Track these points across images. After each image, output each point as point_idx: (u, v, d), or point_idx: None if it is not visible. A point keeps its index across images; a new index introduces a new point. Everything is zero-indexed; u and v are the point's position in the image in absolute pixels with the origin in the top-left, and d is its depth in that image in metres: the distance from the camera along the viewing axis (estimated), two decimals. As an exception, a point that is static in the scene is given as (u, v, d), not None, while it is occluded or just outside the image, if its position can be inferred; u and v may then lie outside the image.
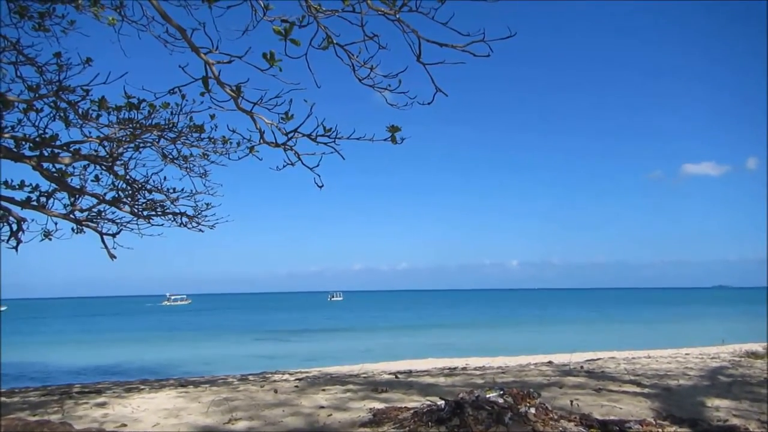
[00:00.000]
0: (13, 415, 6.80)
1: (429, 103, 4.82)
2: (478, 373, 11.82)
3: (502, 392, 6.23)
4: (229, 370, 17.71)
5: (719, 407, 7.41)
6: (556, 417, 5.99)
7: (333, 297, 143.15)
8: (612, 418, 6.52)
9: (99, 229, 8.19)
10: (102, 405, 8.02)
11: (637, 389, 8.74)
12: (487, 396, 6.07)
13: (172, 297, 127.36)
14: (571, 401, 7.44)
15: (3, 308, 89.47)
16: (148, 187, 8.12)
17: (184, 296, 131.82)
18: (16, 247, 7.32)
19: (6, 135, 6.47)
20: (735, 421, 6.59)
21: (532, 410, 5.85)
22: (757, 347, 16.08)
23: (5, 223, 7.21)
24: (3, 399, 9.12)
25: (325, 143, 5.44)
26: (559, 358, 16.40)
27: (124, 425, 6.79)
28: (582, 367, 12.21)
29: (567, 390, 8.53)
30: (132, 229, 8.40)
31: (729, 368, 11.59)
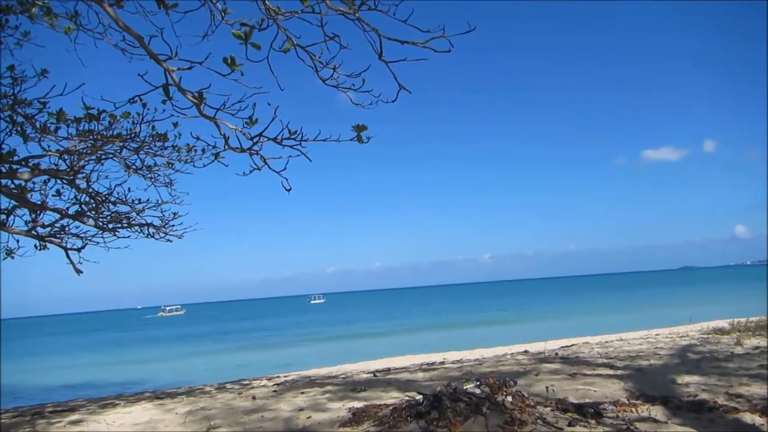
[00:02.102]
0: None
1: (393, 101, 4.85)
2: (455, 366, 11.91)
3: (479, 383, 6.30)
4: (206, 379, 17.48)
5: (689, 383, 7.64)
6: (532, 404, 6.09)
7: (313, 300, 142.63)
8: (587, 401, 6.67)
9: (63, 244, 8.01)
10: (76, 422, 7.85)
11: (611, 371, 8.95)
12: (465, 388, 6.14)
13: (168, 308, 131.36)
14: (547, 387, 7.58)
15: None
16: (112, 199, 7.98)
17: (179, 306, 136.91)
18: (-23, 267, 7.11)
19: (-39, 152, 6.29)
20: (704, 396, 6.81)
21: (509, 399, 5.94)
22: (723, 323, 16.60)
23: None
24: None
25: (291, 146, 5.41)
26: (535, 347, 16.66)
27: (101, 442, 6.67)
28: (557, 353, 12.42)
29: (543, 377, 8.68)
30: (98, 243, 8.25)
31: (697, 345, 11.95)
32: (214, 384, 13.33)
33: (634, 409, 6.22)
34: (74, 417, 8.37)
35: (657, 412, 6.17)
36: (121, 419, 7.89)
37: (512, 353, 14.56)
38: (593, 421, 5.74)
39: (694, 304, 43.37)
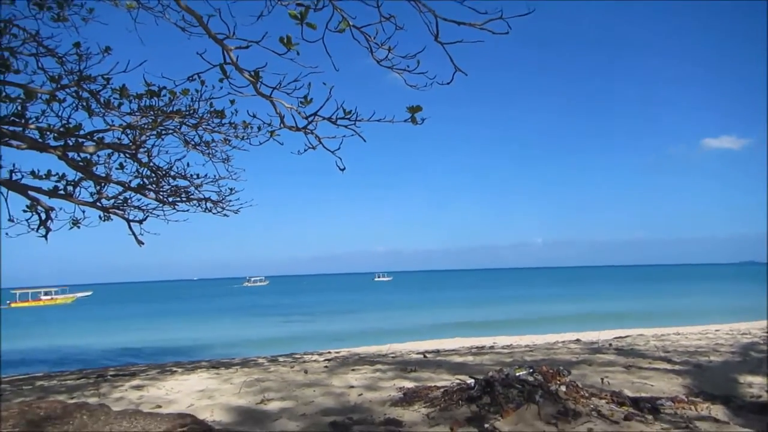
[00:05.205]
0: (51, 398, 6.99)
1: (448, 83, 4.70)
2: (506, 351, 11.79)
3: (531, 370, 6.17)
4: (260, 351, 18.00)
5: (752, 383, 7.27)
6: (587, 394, 5.92)
7: (379, 277, 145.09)
8: (643, 395, 6.44)
9: (126, 216, 8.30)
10: (137, 387, 8.19)
11: (668, 366, 8.63)
12: (517, 374, 6.03)
13: (252, 279, 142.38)
14: (602, 379, 7.38)
15: (89, 293, 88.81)
16: (172, 173, 8.17)
17: (263, 278, 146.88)
18: (45, 236, 7.45)
19: (31, 126, 6.55)
20: (770, 397, 6.47)
21: (563, 388, 5.79)
22: (792, 321, 15.76)
23: (34, 213, 7.33)
24: (42, 383, 9.40)
25: (346, 126, 5.39)
26: (587, 336, 16.31)
27: (159, 406, 6.92)
28: (611, 344, 12.10)
29: (597, 367, 8.46)
30: (158, 216, 8.50)
31: (761, 344, 11.39)
32: (267, 356, 13.69)
33: (693, 407, 5.96)
34: (135, 382, 8.75)
35: (718, 411, 5.89)
36: (180, 386, 8.18)
37: (564, 341, 14.30)
38: (650, 417, 5.53)
39: (758, 300, 41.33)
